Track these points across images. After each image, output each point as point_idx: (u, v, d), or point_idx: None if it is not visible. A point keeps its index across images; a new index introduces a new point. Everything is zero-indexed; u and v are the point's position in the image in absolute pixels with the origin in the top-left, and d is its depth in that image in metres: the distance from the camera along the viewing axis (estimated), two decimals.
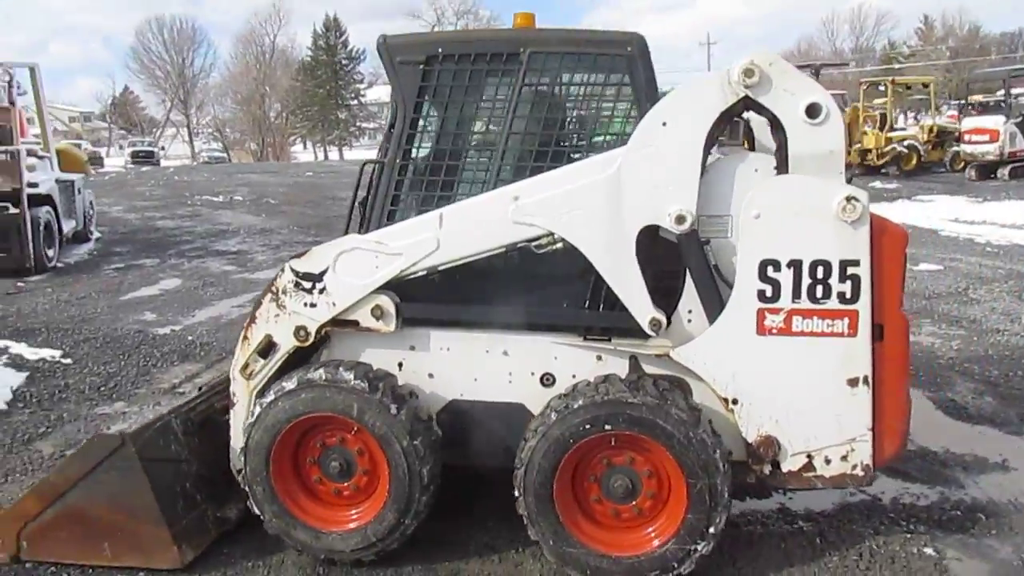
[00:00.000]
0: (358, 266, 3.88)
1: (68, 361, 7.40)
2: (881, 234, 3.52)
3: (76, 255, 13.60)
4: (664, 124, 3.54)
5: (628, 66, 3.75)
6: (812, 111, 3.43)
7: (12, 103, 12.67)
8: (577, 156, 3.84)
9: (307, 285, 3.94)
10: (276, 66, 76.50)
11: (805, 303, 3.54)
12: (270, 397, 3.84)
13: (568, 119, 3.92)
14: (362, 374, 3.77)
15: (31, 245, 11.65)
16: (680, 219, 3.55)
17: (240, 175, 30.07)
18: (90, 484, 3.84)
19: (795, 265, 3.53)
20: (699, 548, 3.56)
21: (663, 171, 3.56)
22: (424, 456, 3.74)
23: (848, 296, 3.51)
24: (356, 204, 4.14)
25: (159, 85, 73.00)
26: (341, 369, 3.79)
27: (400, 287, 3.92)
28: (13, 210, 11.50)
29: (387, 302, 3.88)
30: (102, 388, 6.69)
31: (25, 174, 12.00)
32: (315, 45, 74.48)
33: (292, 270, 3.95)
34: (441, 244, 3.80)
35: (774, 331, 3.58)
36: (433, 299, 3.96)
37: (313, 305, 3.94)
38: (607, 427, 3.54)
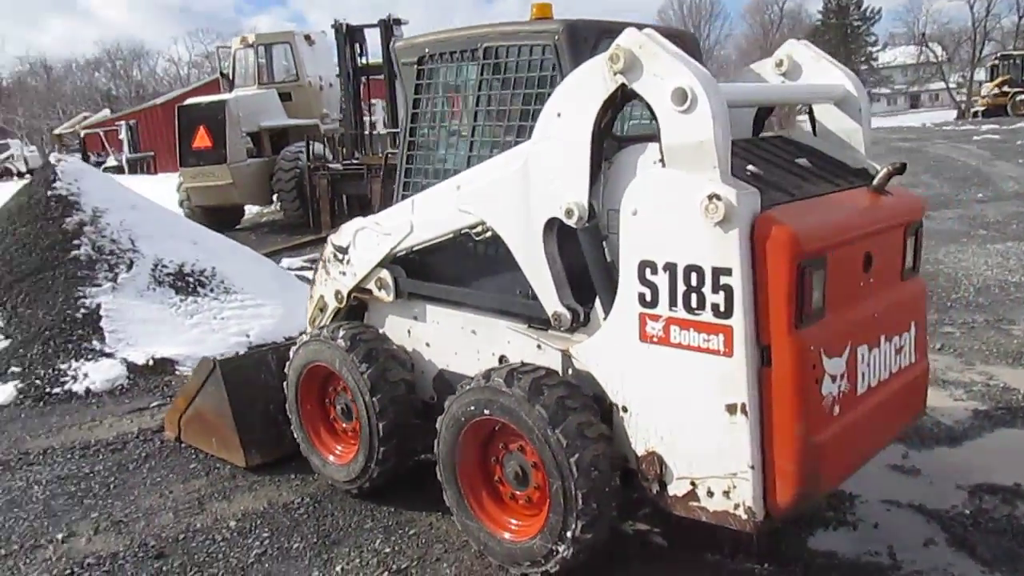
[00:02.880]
0: (367, 242, 4.50)
1: None
2: (763, 239, 2.97)
3: None
4: (559, 115, 3.44)
5: (556, 56, 3.68)
6: (677, 96, 3.03)
7: None
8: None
9: (340, 256, 4.69)
10: (784, 33, 75.64)
11: (681, 312, 3.17)
12: (296, 345, 4.71)
13: (518, 109, 3.94)
14: (350, 335, 4.39)
15: None
16: (569, 212, 3.44)
17: None
18: (204, 393, 5.16)
19: (670, 269, 3.17)
20: (560, 550, 3.48)
21: (558, 163, 3.47)
22: (382, 412, 4.24)
23: (722, 309, 3.05)
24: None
25: None
26: (341, 328, 4.47)
27: (405, 262, 4.43)
28: None
29: (387, 275, 4.44)
30: None
31: None
32: (826, 8, 72.04)
33: (332, 243, 4.73)
34: (413, 227, 4.22)
35: (655, 340, 3.28)
36: (423, 276, 4.38)
37: (343, 273, 4.68)
38: (486, 412, 3.65)
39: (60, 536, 4.28)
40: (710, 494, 3.23)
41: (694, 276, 3.11)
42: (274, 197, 16.45)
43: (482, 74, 4.02)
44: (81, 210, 8.27)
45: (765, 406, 3.07)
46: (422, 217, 4.16)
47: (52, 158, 9.10)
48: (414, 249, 4.28)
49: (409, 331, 4.53)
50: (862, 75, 70.11)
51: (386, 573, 3.81)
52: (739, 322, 3.02)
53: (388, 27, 14.18)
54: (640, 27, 3.22)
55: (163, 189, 18.10)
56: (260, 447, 5.05)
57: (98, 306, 7.40)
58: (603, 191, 3.46)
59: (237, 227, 17.34)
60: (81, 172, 8.83)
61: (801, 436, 3.05)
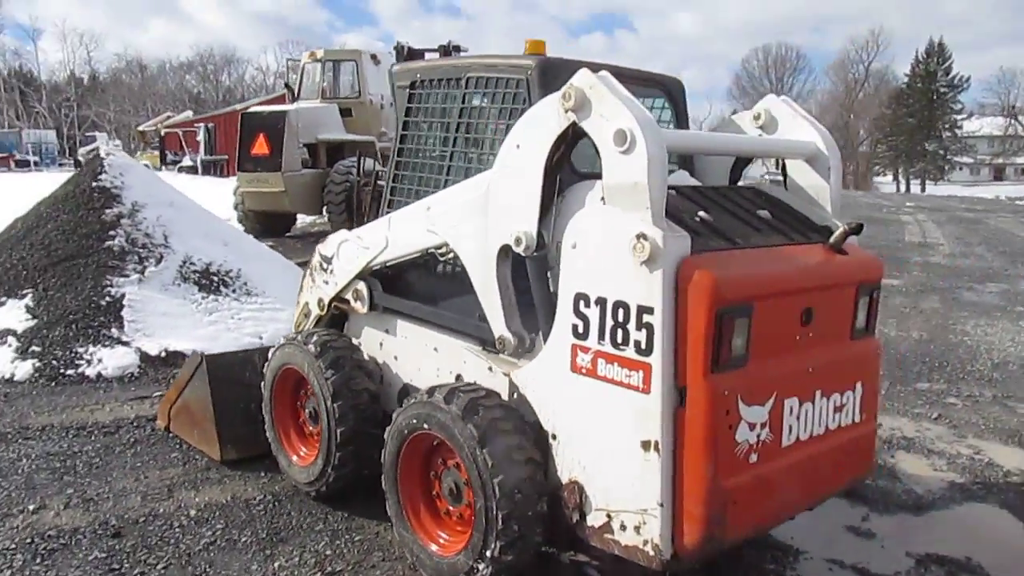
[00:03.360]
0: (348, 254, 4.69)
1: None
2: (685, 283, 3.04)
3: None
4: (518, 146, 3.57)
5: (527, 90, 3.82)
6: (618, 138, 3.13)
7: None
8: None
9: (325, 265, 4.89)
10: (868, 93, 74.89)
11: (608, 346, 3.25)
12: (274, 347, 4.90)
13: (490, 138, 4.09)
14: (321, 342, 4.56)
15: None
16: (518, 241, 3.55)
17: None
18: (191, 386, 5.39)
19: (601, 303, 3.26)
20: (480, 568, 3.55)
21: (513, 192, 3.60)
22: (341, 418, 4.38)
23: (643, 347, 3.12)
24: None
25: None
26: (314, 335, 4.65)
27: (382, 276, 4.60)
28: None
29: (363, 287, 4.61)
30: None
31: None
32: (913, 72, 70.98)
33: (318, 252, 4.93)
34: (388, 243, 4.39)
35: (584, 371, 3.36)
36: (396, 291, 4.54)
37: (327, 282, 4.87)
38: (425, 426, 3.76)
39: (32, 507, 4.52)
40: (623, 528, 3.28)
41: (621, 312, 3.19)
42: (324, 208, 16.90)
43: (463, 102, 4.19)
44: (121, 203, 8.71)
45: (678, 446, 3.12)
46: (396, 234, 4.32)
47: (102, 151, 9.59)
48: (388, 264, 4.45)
49: (381, 344, 4.69)
50: (944, 143, 68.80)
51: (319, 574, 3.92)
52: (657, 361, 3.08)
53: (447, 53, 14.49)
54: (596, 68, 3.34)
55: (226, 191, 18.82)
56: (236, 443, 5.23)
57: (123, 296, 7.76)
58: (554, 223, 3.57)
59: (287, 234, 17.84)
60: (127, 167, 9.29)
61: (709, 479, 3.08)
